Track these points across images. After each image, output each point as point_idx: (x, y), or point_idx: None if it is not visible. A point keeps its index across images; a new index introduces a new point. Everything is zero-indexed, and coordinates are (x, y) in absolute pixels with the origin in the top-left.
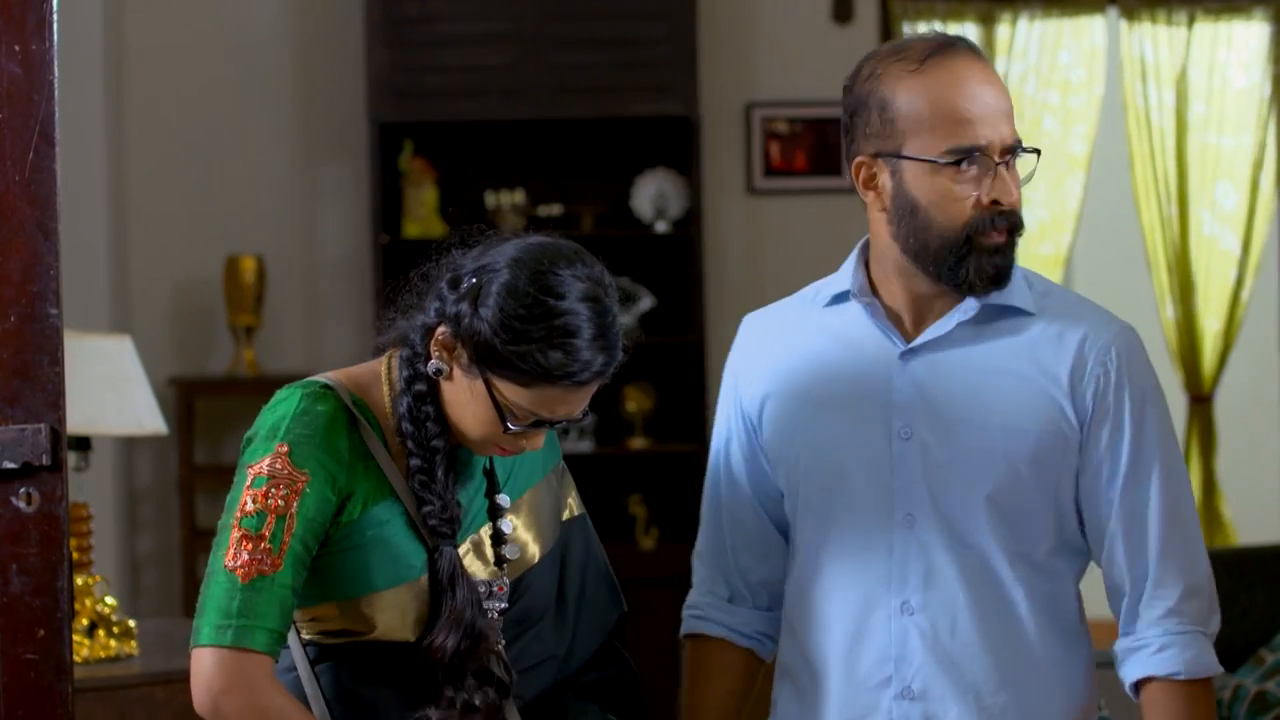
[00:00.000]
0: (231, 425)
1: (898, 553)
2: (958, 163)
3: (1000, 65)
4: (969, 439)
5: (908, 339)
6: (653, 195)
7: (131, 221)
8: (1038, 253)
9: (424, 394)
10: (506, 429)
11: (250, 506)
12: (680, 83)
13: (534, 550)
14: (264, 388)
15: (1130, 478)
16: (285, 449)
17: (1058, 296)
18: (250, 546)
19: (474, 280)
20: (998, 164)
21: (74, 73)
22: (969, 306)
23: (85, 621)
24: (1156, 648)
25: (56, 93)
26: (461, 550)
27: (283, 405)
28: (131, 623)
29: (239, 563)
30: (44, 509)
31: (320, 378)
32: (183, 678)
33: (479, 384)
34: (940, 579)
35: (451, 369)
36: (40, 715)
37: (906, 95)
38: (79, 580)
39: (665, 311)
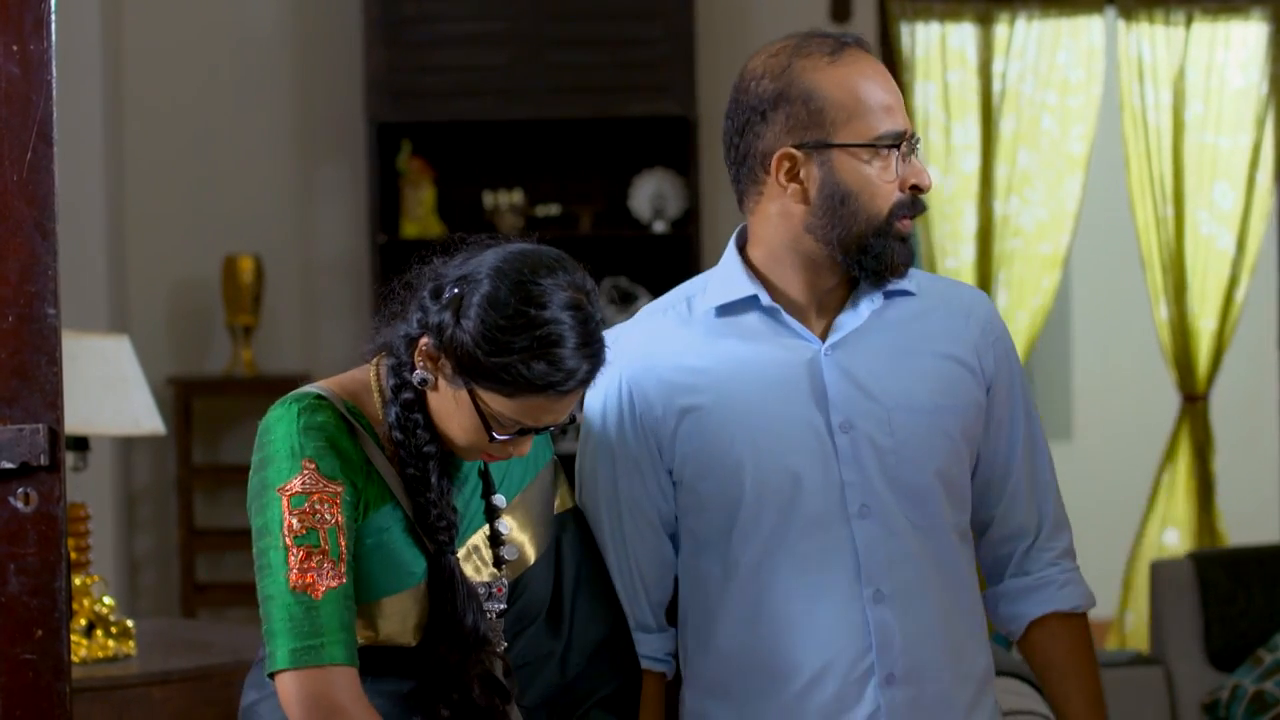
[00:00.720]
0: (230, 425)
1: (861, 543)
2: (890, 148)
3: (998, 65)
4: (909, 423)
5: (814, 333)
6: (651, 195)
7: (129, 221)
8: (1037, 252)
9: (411, 402)
10: (492, 438)
11: (298, 525)
12: (678, 83)
13: (530, 551)
14: (262, 388)
15: (1027, 434)
16: (312, 464)
17: (920, 275)
18: (314, 564)
19: (455, 290)
20: (913, 150)
21: (72, 73)
22: (875, 295)
23: (83, 621)
24: (1060, 584)
25: (55, 93)
26: (461, 554)
27: (283, 423)
28: (129, 623)
29: (307, 580)
30: (42, 509)
31: (312, 388)
32: (180, 678)
33: (463, 394)
34: (905, 562)
35: (436, 379)
36: (38, 715)
37: (831, 86)
38: (77, 580)
39: None
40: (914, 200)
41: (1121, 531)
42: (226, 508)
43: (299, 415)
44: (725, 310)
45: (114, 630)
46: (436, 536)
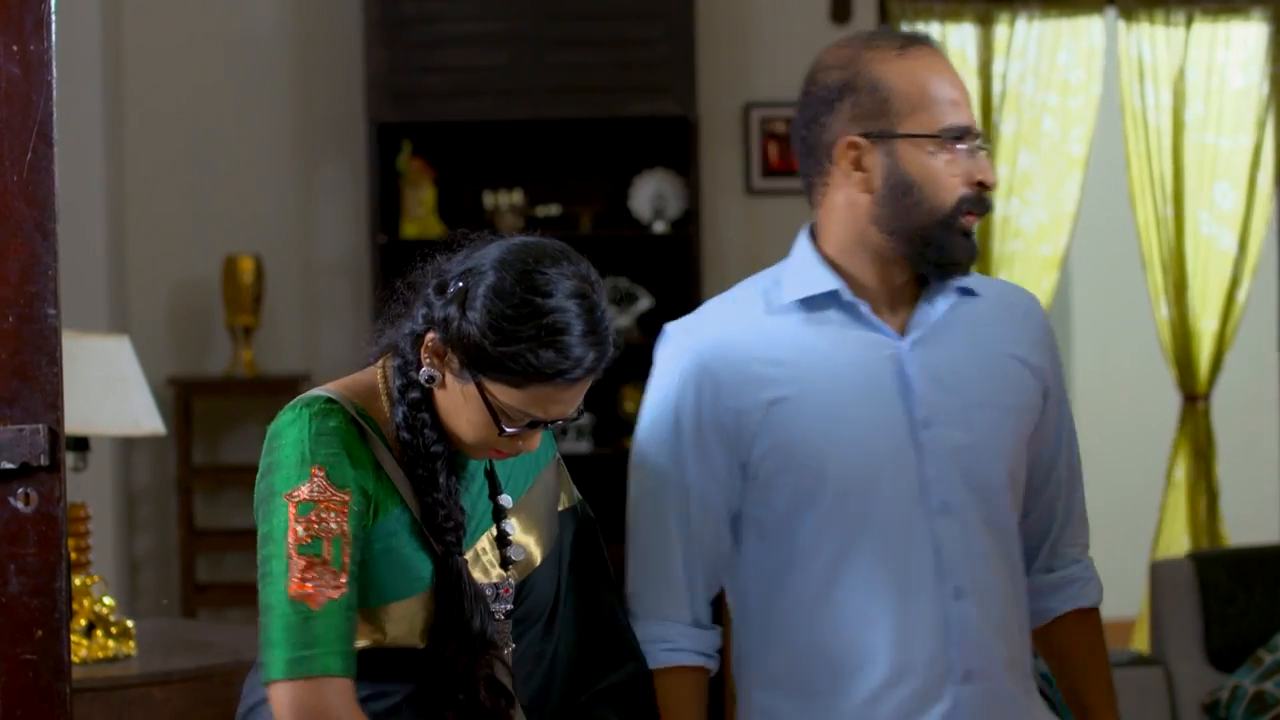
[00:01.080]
0: (230, 425)
1: (942, 540)
2: (956, 141)
3: (999, 66)
4: (985, 421)
5: (893, 328)
6: (651, 195)
7: (130, 222)
8: (1037, 254)
9: (419, 401)
10: (502, 431)
11: (303, 533)
12: (678, 83)
13: (536, 552)
14: (262, 388)
15: (1069, 433)
16: (321, 471)
17: (976, 275)
18: (315, 574)
19: (460, 284)
20: (980, 148)
21: (72, 73)
22: (949, 292)
23: (83, 622)
24: (1084, 580)
25: (55, 93)
26: (469, 556)
27: (294, 428)
28: (130, 623)
29: (307, 590)
30: (42, 509)
31: (321, 392)
32: (181, 678)
33: (471, 388)
34: (980, 559)
35: (443, 375)
36: (38, 716)
37: (897, 77)
38: (77, 580)
39: (664, 311)
40: (980, 197)
41: (1122, 531)
42: (227, 508)
43: (310, 420)
44: (806, 304)
45: (114, 630)
46: (444, 538)
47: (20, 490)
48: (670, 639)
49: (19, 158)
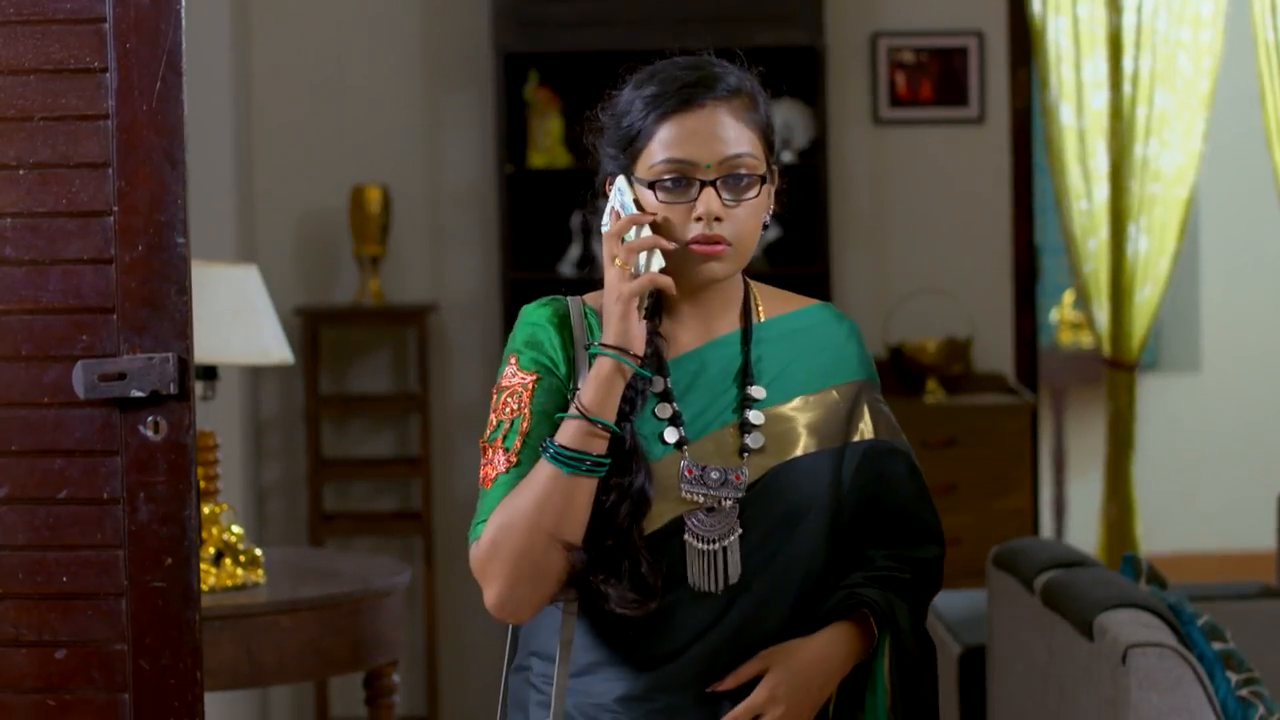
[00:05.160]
0: (357, 355)
1: None
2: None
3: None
4: None
5: None
6: (778, 125)
7: (257, 151)
8: (1174, 196)
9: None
10: (659, 197)
11: (493, 419)
12: (805, 12)
13: (794, 449)
14: (389, 318)
15: None
16: (515, 359)
17: None
18: (489, 457)
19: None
20: None
21: (200, 2)
22: None
23: (212, 550)
24: None
25: (184, 22)
26: (709, 439)
27: (516, 324)
28: (258, 551)
29: (484, 474)
30: (172, 438)
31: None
32: (308, 606)
33: (635, 189)
34: None
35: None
36: (168, 643)
37: None
38: (206, 509)
39: (790, 242)
40: None
41: (1252, 465)
42: (354, 437)
43: (521, 315)
44: None
45: (242, 559)
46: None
47: (150, 419)
48: None
49: (148, 87)
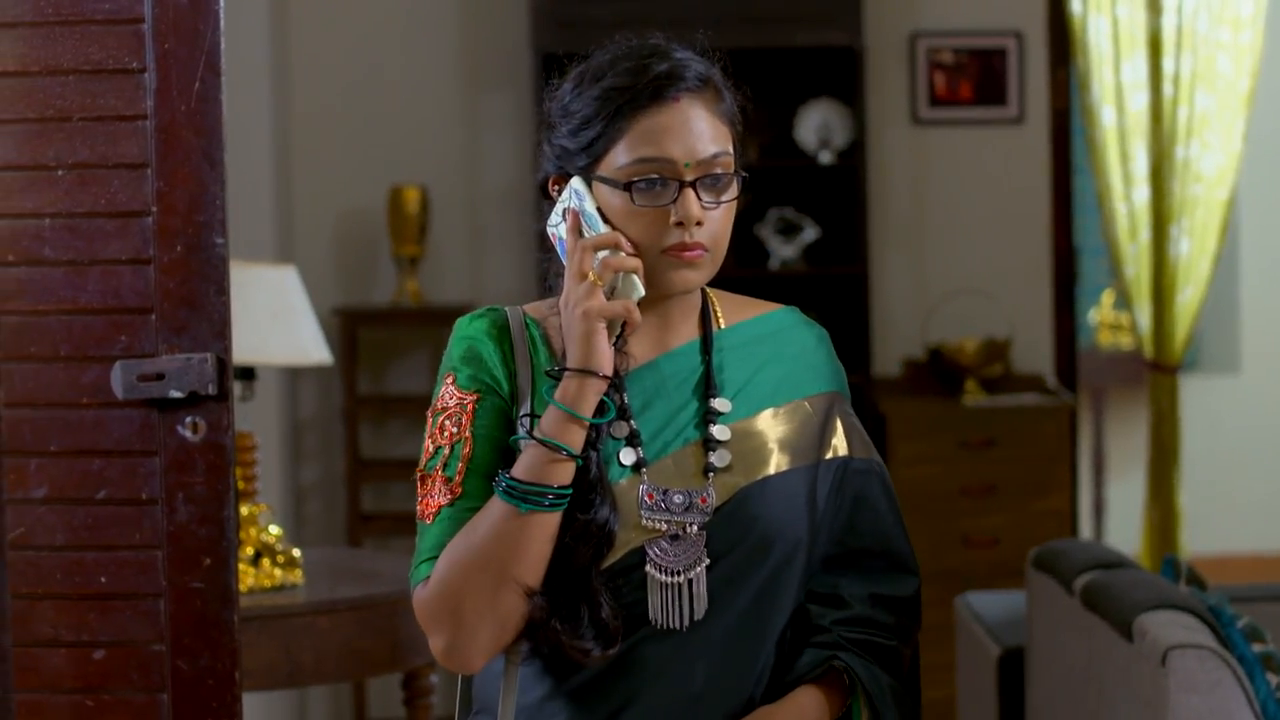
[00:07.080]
0: (395, 356)
1: None
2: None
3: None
4: None
5: None
6: (817, 126)
7: (295, 152)
8: (1215, 198)
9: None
10: (633, 198)
11: (429, 446)
12: (845, 12)
13: (763, 468)
14: (428, 318)
15: None
16: (451, 377)
17: None
18: (427, 488)
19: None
20: None
21: (239, 3)
22: None
23: (250, 551)
24: None
25: (222, 23)
26: (669, 459)
27: (450, 339)
28: (296, 552)
29: (420, 509)
30: (210, 438)
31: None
32: (346, 607)
33: (597, 187)
34: None
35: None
36: (206, 643)
37: None
38: (244, 509)
39: (829, 242)
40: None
41: None
42: (392, 438)
43: (456, 329)
44: None
45: (280, 559)
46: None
47: (188, 419)
48: None
49: (187, 87)
